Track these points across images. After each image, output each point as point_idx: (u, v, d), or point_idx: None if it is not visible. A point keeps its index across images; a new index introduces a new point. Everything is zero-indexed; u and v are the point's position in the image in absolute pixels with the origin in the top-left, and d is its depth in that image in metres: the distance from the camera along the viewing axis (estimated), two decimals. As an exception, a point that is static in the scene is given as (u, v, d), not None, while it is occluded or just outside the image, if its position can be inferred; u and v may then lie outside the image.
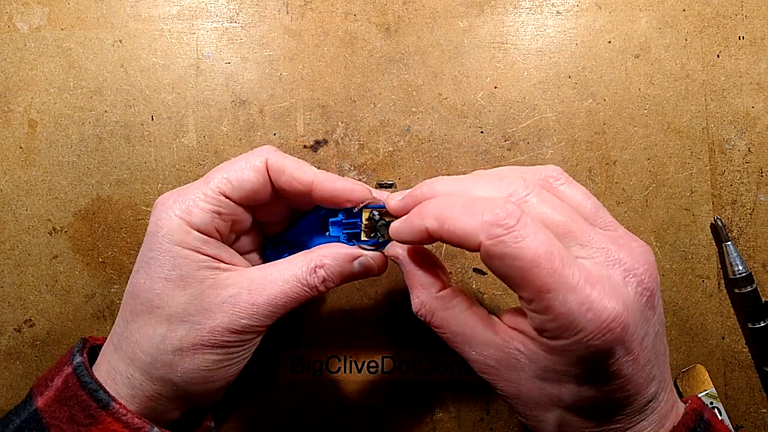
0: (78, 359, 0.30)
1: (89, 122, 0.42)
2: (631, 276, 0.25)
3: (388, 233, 0.31)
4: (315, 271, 0.31)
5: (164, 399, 0.31)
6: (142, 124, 0.42)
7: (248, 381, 0.41)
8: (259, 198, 0.32)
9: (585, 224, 0.26)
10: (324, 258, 0.31)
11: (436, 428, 0.41)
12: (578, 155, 0.41)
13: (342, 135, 0.42)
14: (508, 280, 0.24)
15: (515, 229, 0.23)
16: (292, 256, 0.32)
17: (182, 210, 0.30)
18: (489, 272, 0.41)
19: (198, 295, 0.29)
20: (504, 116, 0.41)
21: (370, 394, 0.41)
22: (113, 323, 0.32)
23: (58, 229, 0.42)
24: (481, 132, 0.41)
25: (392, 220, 0.30)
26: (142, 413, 0.30)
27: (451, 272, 0.41)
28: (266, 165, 0.31)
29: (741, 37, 0.41)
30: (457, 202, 0.25)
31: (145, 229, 0.32)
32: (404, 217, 0.28)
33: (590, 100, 0.41)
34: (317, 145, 0.42)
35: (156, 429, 0.29)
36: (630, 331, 0.24)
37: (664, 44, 0.41)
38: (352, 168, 0.41)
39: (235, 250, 0.34)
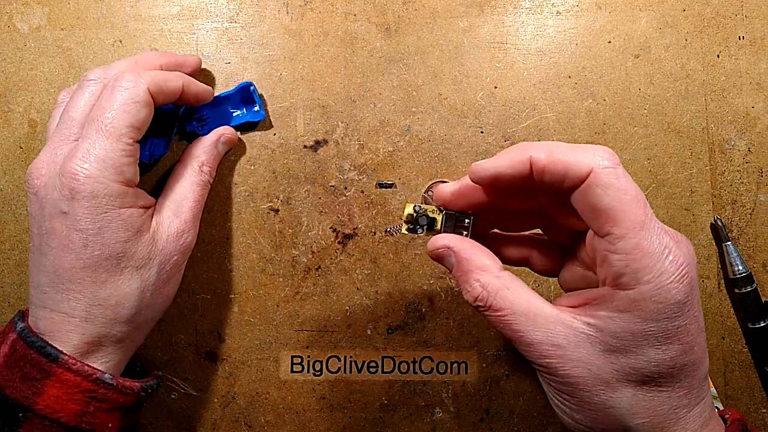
0: (21, 325, 0.31)
1: (89, 122, 0.42)
2: (679, 242, 0.26)
3: (427, 228, 0.31)
4: (201, 169, 0.38)
5: (144, 337, 0.35)
6: (142, 124, 0.42)
7: (248, 381, 0.41)
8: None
9: None
10: (199, 156, 0.38)
11: (436, 428, 0.41)
12: (578, 155, 0.41)
13: (342, 135, 0.42)
14: (603, 213, 0.25)
15: (619, 167, 0.25)
16: (174, 172, 0.38)
17: (114, 172, 0.31)
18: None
19: (150, 240, 0.33)
20: (504, 116, 0.41)
21: (370, 394, 0.41)
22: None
23: (58, 229, 0.42)
24: (481, 132, 0.41)
25: (433, 217, 0.30)
26: (125, 366, 0.34)
27: (448, 275, 0.41)
28: (150, 93, 0.33)
29: (741, 37, 0.41)
30: (561, 143, 0.27)
31: None
32: (498, 154, 0.28)
33: (590, 100, 0.41)
34: (317, 145, 0.42)
35: (107, 375, 0.31)
36: (695, 284, 0.25)
37: (664, 44, 0.41)
38: (352, 168, 0.41)
39: None
